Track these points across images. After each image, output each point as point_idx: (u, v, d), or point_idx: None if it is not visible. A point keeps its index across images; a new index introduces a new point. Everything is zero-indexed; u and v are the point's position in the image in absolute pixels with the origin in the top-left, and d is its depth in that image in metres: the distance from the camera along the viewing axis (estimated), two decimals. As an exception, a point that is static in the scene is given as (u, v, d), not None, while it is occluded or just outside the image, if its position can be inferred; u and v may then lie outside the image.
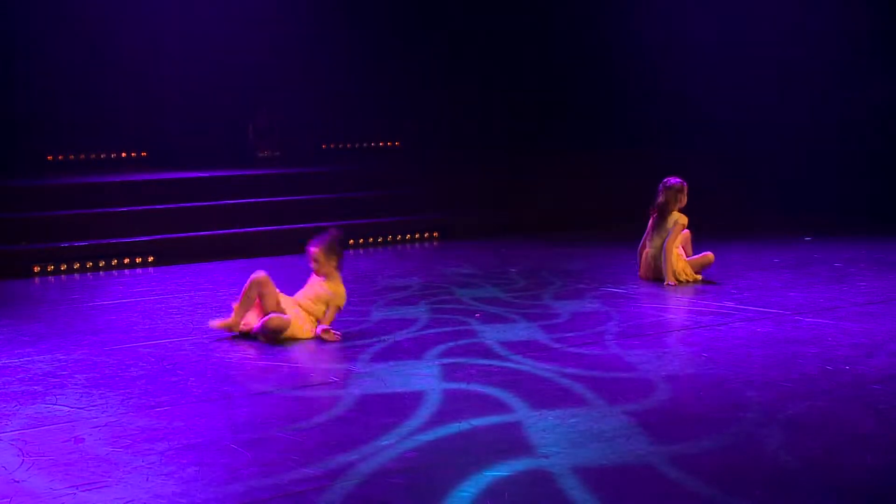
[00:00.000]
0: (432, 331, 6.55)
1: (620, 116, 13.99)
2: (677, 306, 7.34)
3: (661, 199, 8.19)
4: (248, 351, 6.02)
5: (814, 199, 12.68)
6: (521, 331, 6.49)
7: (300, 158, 13.37)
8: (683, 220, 8.16)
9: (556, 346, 6.02)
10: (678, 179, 8.27)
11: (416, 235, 11.57)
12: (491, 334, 6.38)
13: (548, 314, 6.99)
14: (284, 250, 10.49)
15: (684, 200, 8.25)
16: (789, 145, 13.47)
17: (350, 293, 8.02)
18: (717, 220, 11.88)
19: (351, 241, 11.14)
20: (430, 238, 11.59)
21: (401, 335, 6.40)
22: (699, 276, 8.18)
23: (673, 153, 13.13)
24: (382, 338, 6.27)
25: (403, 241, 11.51)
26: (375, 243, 11.30)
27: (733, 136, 13.72)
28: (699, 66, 13.69)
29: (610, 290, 7.88)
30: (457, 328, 6.62)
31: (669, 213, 8.16)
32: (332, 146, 14.23)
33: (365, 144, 14.48)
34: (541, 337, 6.28)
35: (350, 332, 6.54)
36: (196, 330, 6.64)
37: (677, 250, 8.13)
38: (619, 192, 12.36)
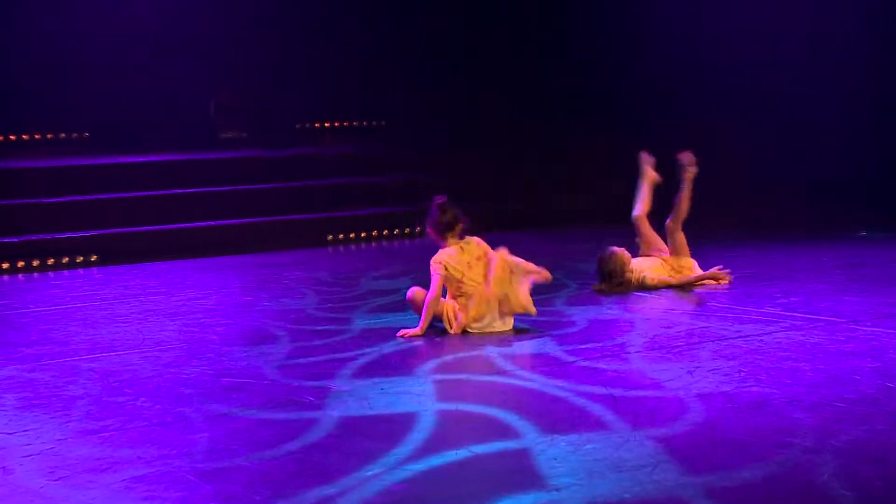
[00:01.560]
0: (424, 342, 6.53)
1: (638, 107, 14.04)
2: (712, 313, 7.32)
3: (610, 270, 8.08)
4: (208, 365, 6.00)
5: (869, 189, 12.68)
6: (529, 342, 6.47)
7: (271, 140, 13.36)
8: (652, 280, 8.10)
9: (570, 359, 6.01)
10: (618, 249, 8.13)
11: (406, 230, 11.57)
12: (493, 346, 6.37)
13: (560, 322, 6.98)
14: (252, 247, 10.48)
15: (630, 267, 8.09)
16: (839, 129, 13.50)
17: (329, 297, 8.02)
18: (758, 213, 11.89)
19: (329, 237, 11.15)
20: (422, 233, 11.56)
21: (388, 347, 6.38)
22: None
23: (695, 137, 13.14)
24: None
25: (391, 236, 11.50)
26: (358, 238, 11.29)
27: (771, 118, 13.76)
28: (728, 53, 13.78)
29: (632, 294, 7.87)
30: (453, 339, 6.61)
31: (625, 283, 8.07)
32: (308, 125, 14.21)
33: (346, 123, 14.47)
34: (552, 349, 6.26)
35: (329, 343, 6.53)
36: (147, 341, 6.62)
37: (657, 277, 8.11)
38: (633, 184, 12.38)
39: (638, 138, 13.54)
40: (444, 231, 6.90)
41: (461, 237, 6.93)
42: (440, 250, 6.88)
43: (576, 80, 14.15)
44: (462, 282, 6.78)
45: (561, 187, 12.80)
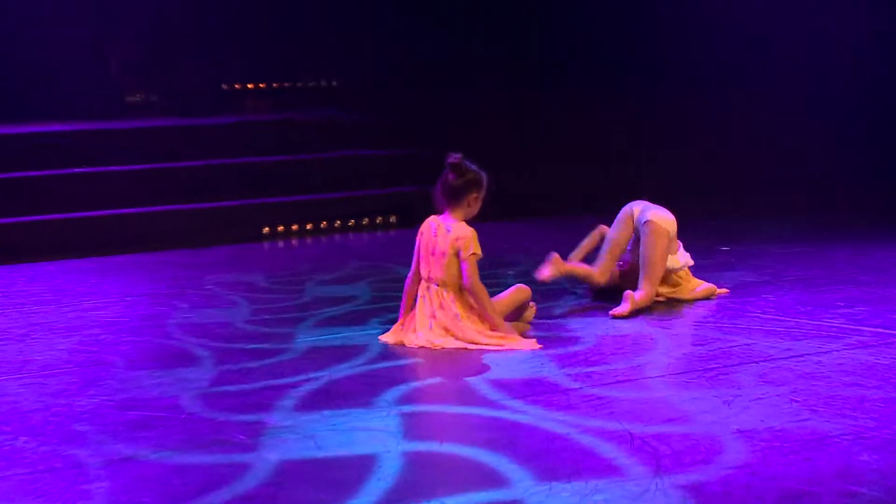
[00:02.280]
0: (388, 364, 6.53)
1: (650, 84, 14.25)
2: (756, 327, 7.35)
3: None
4: (108, 395, 5.97)
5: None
6: (522, 363, 6.48)
7: (190, 105, 13.33)
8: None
9: (574, 385, 6.01)
10: None
11: (365, 221, 11.57)
12: (475, 367, 6.36)
13: (561, 338, 7.00)
14: (166, 243, 10.45)
15: None
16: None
17: (266, 306, 8.01)
18: (817, 201, 11.94)
19: (266, 230, 11.13)
20: (385, 224, 11.58)
21: (340, 371, 6.37)
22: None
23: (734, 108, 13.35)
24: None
25: (345, 227, 11.50)
26: (303, 231, 11.27)
27: (831, 92, 14.02)
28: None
29: (653, 302, 7.90)
30: (424, 359, 6.61)
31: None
32: (237, 87, 14.18)
33: (287, 84, 14.44)
34: (550, 372, 6.27)
35: (265, 365, 6.51)
36: (30, 364, 6.59)
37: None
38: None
39: (652, 114, 13.82)
40: (448, 197, 6.94)
41: (467, 215, 6.93)
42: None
43: (578, 72, 14.38)
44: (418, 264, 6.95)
45: (560, 177, 12.89)
